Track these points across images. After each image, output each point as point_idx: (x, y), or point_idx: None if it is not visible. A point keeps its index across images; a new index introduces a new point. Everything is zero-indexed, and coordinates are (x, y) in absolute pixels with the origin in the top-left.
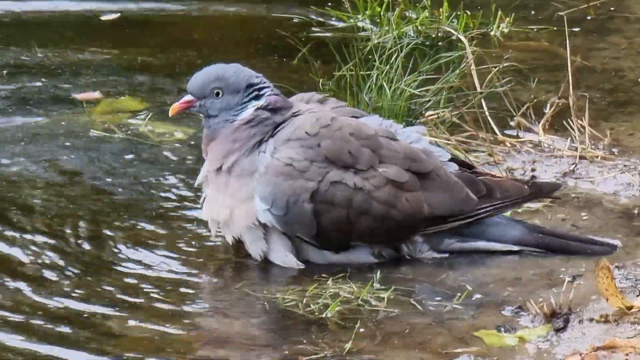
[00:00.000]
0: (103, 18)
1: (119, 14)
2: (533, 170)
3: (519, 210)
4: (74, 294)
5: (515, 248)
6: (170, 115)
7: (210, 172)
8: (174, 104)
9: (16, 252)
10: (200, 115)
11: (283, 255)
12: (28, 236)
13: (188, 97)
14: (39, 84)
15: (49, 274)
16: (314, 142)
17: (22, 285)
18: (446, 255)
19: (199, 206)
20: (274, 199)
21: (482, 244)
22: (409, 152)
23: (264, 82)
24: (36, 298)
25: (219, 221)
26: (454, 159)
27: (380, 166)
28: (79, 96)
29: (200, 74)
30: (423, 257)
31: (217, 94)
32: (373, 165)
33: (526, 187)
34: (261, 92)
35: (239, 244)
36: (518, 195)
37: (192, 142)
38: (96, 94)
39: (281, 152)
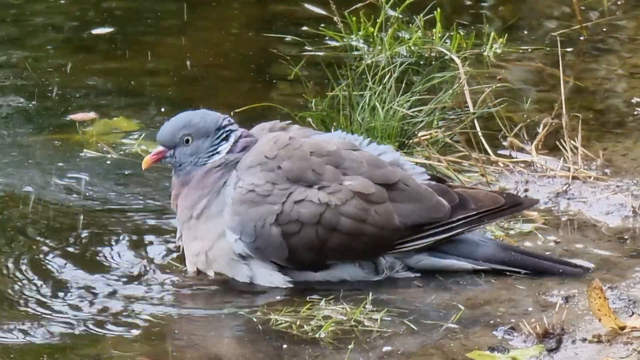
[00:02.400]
0: (95, 32)
1: (112, 29)
2: (526, 190)
3: (512, 232)
4: (61, 314)
5: (486, 266)
6: (143, 169)
7: (181, 223)
8: (145, 157)
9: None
10: (170, 165)
11: (268, 276)
12: (14, 256)
13: (159, 148)
14: (34, 103)
15: (37, 293)
16: (274, 165)
17: (9, 303)
18: (419, 274)
19: None
20: (242, 227)
21: (453, 261)
22: (372, 160)
23: (232, 123)
24: (27, 315)
25: (201, 268)
26: (428, 174)
27: (345, 179)
28: (74, 117)
29: (169, 124)
30: (398, 276)
31: (187, 140)
32: (337, 181)
33: (502, 197)
34: (231, 133)
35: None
36: (493, 206)
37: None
38: (91, 114)
39: (243, 180)
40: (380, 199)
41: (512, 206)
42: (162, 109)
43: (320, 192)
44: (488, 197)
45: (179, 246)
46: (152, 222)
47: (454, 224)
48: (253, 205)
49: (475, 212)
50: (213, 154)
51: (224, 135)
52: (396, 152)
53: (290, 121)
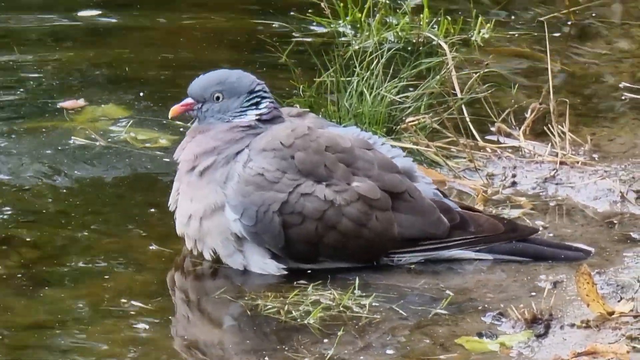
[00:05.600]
0: (81, 14)
1: (99, 11)
2: (514, 176)
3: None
4: (52, 300)
5: (489, 257)
6: (170, 117)
7: (182, 172)
8: (174, 106)
9: None
10: (196, 117)
11: (262, 263)
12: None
13: (188, 100)
14: (21, 89)
15: (28, 280)
16: (287, 153)
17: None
18: (422, 260)
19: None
20: (244, 208)
21: (455, 252)
22: (384, 162)
23: (266, 91)
24: (17, 301)
25: (192, 236)
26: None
27: (354, 179)
28: (64, 104)
29: (203, 78)
30: (400, 263)
31: (217, 98)
32: (347, 180)
33: (502, 225)
34: (262, 100)
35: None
36: (491, 232)
37: (176, 148)
38: (80, 102)
39: (254, 162)
40: (383, 205)
41: (510, 234)
42: (153, 96)
43: (327, 189)
44: (489, 222)
45: (174, 211)
46: (140, 207)
47: (450, 244)
48: (259, 189)
49: (472, 237)
50: (240, 115)
51: (254, 100)
52: (407, 158)
53: (308, 109)
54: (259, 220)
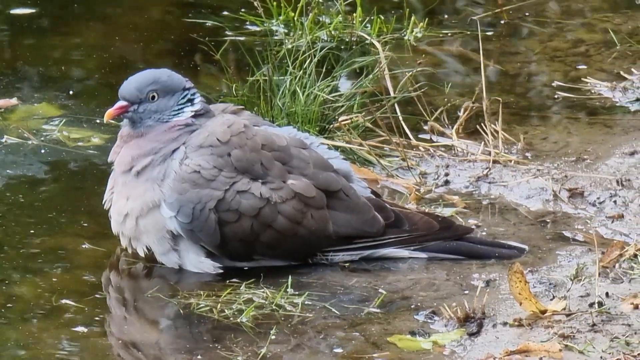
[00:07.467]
0: (14, 12)
1: (33, 10)
2: (446, 174)
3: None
4: None
5: (424, 255)
6: (105, 121)
7: (117, 173)
8: (108, 110)
9: None
10: (126, 120)
11: (198, 262)
12: None
13: (122, 103)
14: None
15: None
16: (224, 151)
17: None
18: (356, 259)
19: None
20: (180, 206)
21: (390, 251)
22: (319, 161)
23: (194, 87)
24: None
25: (128, 235)
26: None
27: (290, 177)
28: None
29: (135, 79)
30: (335, 262)
31: (153, 97)
32: (282, 178)
33: (436, 223)
34: (194, 97)
35: (151, 254)
36: (426, 231)
37: (108, 147)
38: (13, 101)
39: (191, 159)
40: (319, 204)
41: (444, 231)
42: (86, 95)
43: (263, 187)
44: (423, 221)
45: (108, 209)
46: (73, 206)
47: (384, 241)
48: (195, 186)
49: (407, 235)
50: (178, 114)
51: (189, 96)
52: (345, 161)
53: (243, 106)
54: (194, 217)
